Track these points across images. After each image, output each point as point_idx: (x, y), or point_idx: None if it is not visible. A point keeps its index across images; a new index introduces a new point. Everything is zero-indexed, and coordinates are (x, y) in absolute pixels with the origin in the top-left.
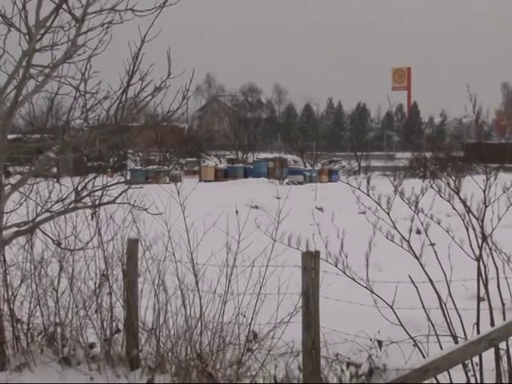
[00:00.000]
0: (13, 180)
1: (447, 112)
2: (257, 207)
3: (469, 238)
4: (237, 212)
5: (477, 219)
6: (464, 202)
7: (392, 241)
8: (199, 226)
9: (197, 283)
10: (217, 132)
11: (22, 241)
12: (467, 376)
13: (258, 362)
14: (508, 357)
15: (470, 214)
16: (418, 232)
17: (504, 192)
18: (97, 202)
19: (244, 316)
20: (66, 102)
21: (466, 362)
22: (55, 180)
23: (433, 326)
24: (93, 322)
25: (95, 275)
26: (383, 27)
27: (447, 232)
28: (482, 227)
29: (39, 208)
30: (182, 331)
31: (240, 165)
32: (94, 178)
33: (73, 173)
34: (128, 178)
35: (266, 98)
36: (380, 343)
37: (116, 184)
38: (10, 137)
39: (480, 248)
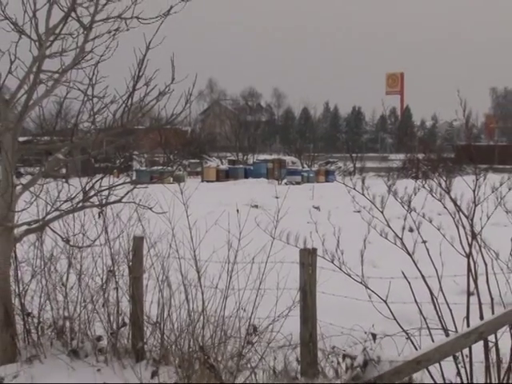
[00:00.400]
0: (24, 180)
1: (438, 115)
2: (257, 206)
3: (459, 235)
4: (237, 211)
5: (467, 218)
6: (454, 202)
7: (386, 238)
8: (201, 224)
9: (199, 279)
10: (218, 134)
11: (33, 238)
12: (457, 367)
13: (258, 354)
14: (496, 349)
15: (461, 213)
16: (411, 230)
17: (493, 192)
18: (104, 202)
19: (244, 310)
20: (75, 106)
21: (457, 354)
22: (64, 180)
23: (425, 319)
24: (100, 315)
25: (102, 271)
26: (377, 34)
27: (438, 230)
28: (471, 225)
29: (49, 207)
30: (185, 325)
31: (240, 166)
32: (101, 178)
33: (81, 173)
34: (133, 178)
35: (265, 102)
36: (374, 336)
37: (122, 184)
38: (21, 139)
39: (470, 245)
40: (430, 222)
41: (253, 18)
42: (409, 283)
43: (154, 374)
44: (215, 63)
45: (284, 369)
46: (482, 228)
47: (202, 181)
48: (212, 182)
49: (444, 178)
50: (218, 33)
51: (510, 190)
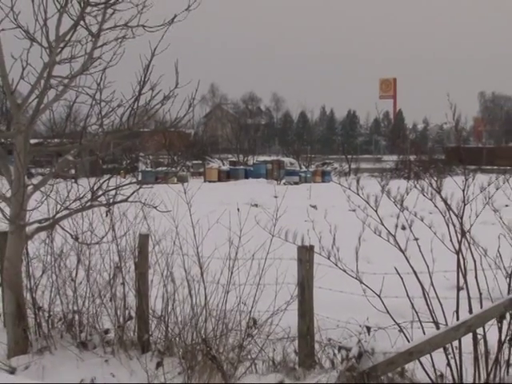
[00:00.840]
0: (35, 181)
1: (429, 119)
2: (256, 205)
3: (449, 233)
4: (238, 210)
5: (456, 216)
6: (445, 201)
7: (379, 236)
8: (204, 222)
9: (202, 274)
10: (220, 137)
11: (43, 236)
12: (448, 358)
13: (258, 346)
14: (485, 341)
15: (451, 212)
16: (403, 228)
17: (481, 191)
18: (111, 201)
19: (245, 304)
20: (83, 110)
21: (447, 345)
22: (73, 180)
23: (416, 313)
24: (107, 309)
25: (110, 267)
26: (372, 41)
27: (429, 228)
28: (461, 223)
29: (59, 206)
30: (189, 318)
31: (241, 167)
32: (109, 178)
33: (89, 174)
34: (139, 178)
35: (264, 106)
36: (369, 329)
37: (128, 184)
38: (32, 141)
39: (459, 242)
40: (422, 220)
41: (253, 26)
42: (401, 278)
43: (159, 364)
44: (217, 69)
45: (283, 360)
46: (471, 226)
47: (205, 181)
48: (214, 182)
49: (435, 179)
50: (219, 40)
51: (497, 189)
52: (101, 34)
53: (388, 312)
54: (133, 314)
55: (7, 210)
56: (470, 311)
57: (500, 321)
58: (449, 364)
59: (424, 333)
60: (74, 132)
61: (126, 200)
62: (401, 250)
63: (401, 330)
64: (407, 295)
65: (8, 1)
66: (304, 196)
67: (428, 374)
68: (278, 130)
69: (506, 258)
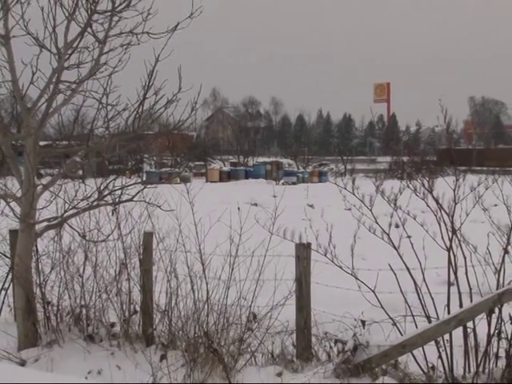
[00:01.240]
0: (44, 181)
1: (422, 122)
2: (256, 204)
3: (440, 231)
4: (239, 209)
5: (447, 215)
6: (436, 200)
7: (374, 234)
8: (206, 220)
9: (204, 271)
10: (221, 139)
11: (52, 233)
12: (439, 351)
13: (257, 339)
14: (474, 334)
15: (442, 211)
16: (397, 226)
17: (471, 191)
18: (117, 200)
19: (245, 299)
20: (90, 113)
21: (438, 339)
22: (81, 181)
23: (409, 307)
24: (113, 304)
25: (115, 264)
26: (367, 47)
27: (422, 226)
28: (452, 222)
29: (67, 205)
30: (191, 312)
31: (241, 167)
32: (115, 179)
33: (96, 174)
34: (144, 178)
35: (264, 110)
36: (363, 323)
37: (133, 184)
38: (41, 143)
39: (450, 240)
40: (414, 218)
41: (253, 33)
42: (395, 274)
43: (163, 357)
44: (218, 74)
45: (281, 352)
46: (461, 224)
47: (206, 181)
48: (215, 182)
49: (427, 179)
50: (221, 46)
51: (486, 189)
52: (107, 40)
53: (382, 306)
54: (138, 308)
55: (18, 209)
56: (461, 306)
57: (489, 315)
58: (440, 356)
59: (416, 326)
60: (82, 134)
61: (131, 199)
62: (394, 247)
63: (394, 324)
64: (400, 290)
65: (18, 9)
66: (302, 196)
67: (420, 366)
68: (277, 133)
69: (495, 254)
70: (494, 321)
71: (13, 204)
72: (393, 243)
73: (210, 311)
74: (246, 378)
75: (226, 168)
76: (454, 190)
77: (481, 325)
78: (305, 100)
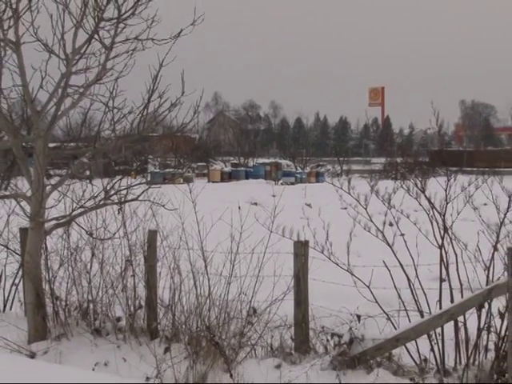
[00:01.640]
0: (53, 181)
1: (414, 124)
2: (256, 204)
3: (433, 229)
4: (239, 208)
5: (439, 214)
6: (429, 200)
7: (369, 232)
8: (208, 219)
9: (206, 267)
10: (222, 141)
11: (61, 231)
12: (431, 344)
13: (257, 333)
14: (465, 328)
15: (434, 210)
16: (391, 224)
17: (462, 191)
18: (122, 199)
19: (245, 294)
20: (97, 116)
21: (431, 332)
22: (88, 181)
23: (403, 302)
24: (119, 299)
25: (121, 260)
26: (362, 53)
27: (415, 224)
28: (443, 220)
29: (75, 204)
30: (194, 307)
31: (242, 168)
32: (120, 179)
33: (102, 175)
34: (148, 179)
35: (263, 113)
36: (359, 317)
37: (138, 184)
38: (50, 145)
39: (442, 238)
40: (408, 217)
41: (253, 40)
42: (389, 271)
43: (167, 350)
44: (220, 79)
45: (280, 346)
46: (452, 223)
47: (208, 181)
48: (217, 182)
49: (419, 179)
50: (222, 51)
51: (477, 189)
52: (113, 46)
53: (377, 302)
54: (142, 303)
55: (28, 208)
56: (452, 301)
57: (479, 309)
58: (432, 349)
59: (409, 321)
60: (89, 136)
61: (136, 199)
62: (388, 244)
63: (388, 318)
64: (394, 286)
65: (28, 17)
66: (300, 195)
67: (413, 359)
68: (276, 135)
69: (485, 252)
70: (483, 315)
71: (23, 203)
72: (387, 241)
73: (211, 306)
74: (246, 370)
75: (227, 169)
76: (446, 190)
77: (471, 319)
78: (303, 104)
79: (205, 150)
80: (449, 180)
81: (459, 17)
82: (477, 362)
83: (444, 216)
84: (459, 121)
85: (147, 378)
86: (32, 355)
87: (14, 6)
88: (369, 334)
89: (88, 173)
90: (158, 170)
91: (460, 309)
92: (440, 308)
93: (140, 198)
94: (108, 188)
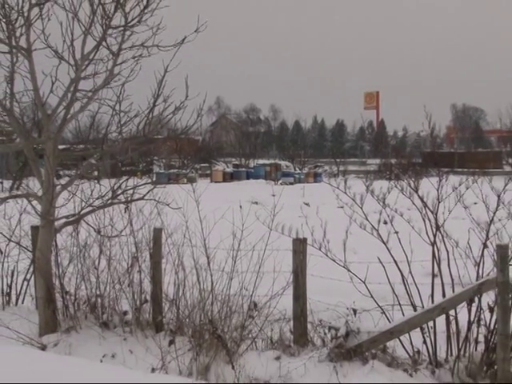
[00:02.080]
0: (63, 181)
1: (408, 127)
2: (256, 203)
3: (425, 227)
4: (240, 207)
5: (432, 212)
6: (421, 199)
7: (364, 229)
8: (210, 217)
9: (208, 263)
10: (224, 143)
11: (70, 229)
12: (424, 337)
13: (258, 326)
14: (456, 322)
15: (427, 208)
16: (385, 222)
17: (453, 191)
18: (129, 199)
19: (246, 289)
20: (105, 119)
21: (423, 325)
22: (96, 181)
23: (397, 297)
24: (126, 294)
25: (128, 257)
26: (358, 58)
27: (408, 222)
28: (435, 219)
29: (83, 203)
30: (197, 302)
31: (243, 169)
32: (127, 179)
33: (110, 175)
34: (154, 179)
35: (263, 116)
36: (355, 311)
37: (144, 184)
38: (60, 147)
39: (434, 235)
40: (401, 215)
41: (254, 46)
42: (383, 267)
43: (171, 342)
44: (222, 83)
45: (279, 338)
46: (444, 221)
47: (211, 182)
48: (219, 182)
49: (413, 179)
50: (224, 57)
51: (467, 189)
52: (120, 53)
53: (372, 296)
54: (148, 298)
55: (39, 207)
56: (444, 295)
57: (469, 304)
58: (425, 342)
59: (403, 314)
60: (97, 139)
61: (142, 198)
62: (383, 241)
63: (383, 312)
64: (389, 281)
65: (39, 24)
66: (298, 195)
67: (406, 351)
68: (276, 137)
69: (475, 248)
70: (473, 309)
71: (34, 202)
72: (382, 238)
73: (214, 300)
74: (247, 362)
75: (229, 169)
76: (438, 190)
77: (462, 313)
78: (301, 107)
79: (208, 151)
80: (441, 180)
81: (450, 26)
82: (467, 354)
83: (436, 214)
84: (450, 124)
85: (153, 369)
86: (43, 347)
87: (25, 15)
88: (364, 327)
89: (96, 173)
90: (162, 171)
91: (451, 303)
92: (432, 302)
93: (146, 198)
94: (115, 188)
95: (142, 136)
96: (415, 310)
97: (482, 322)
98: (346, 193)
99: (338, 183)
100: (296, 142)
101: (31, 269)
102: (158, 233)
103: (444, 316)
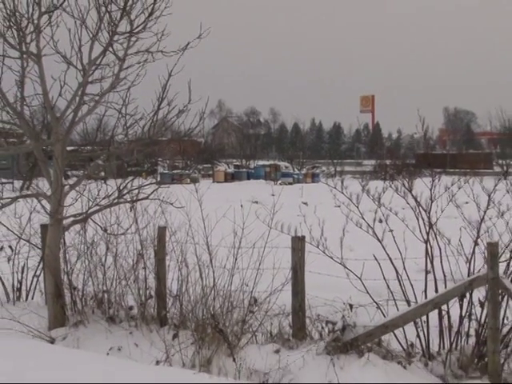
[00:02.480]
0: (71, 181)
1: (402, 129)
2: (257, 202)
3: (419, 225)
4: (241, 206)
5: (425, 211)
6: (415, 198)
7: (360, 228)
8: (212, 216)
9: (211, 260)
10: (226, 144)
11: (78, 228)
12: (417, 331)
13: (258, 320)
14: (448, 316)
15: (420, 207)
16: (380, 221)
17: (445, 191)
18: (134, 198)
19: (247, 285)
20: (111, 122)
21: (417, 320)
22: (103, 181)
23: (391, 292)
24: (131, 289)
25: (133, 254)
26: (354, 63)
27: (402, 221)
28: (428, 217)
29: (91, 203)
30: (200, 297)
31: (244, 170)
32: (132, 179)
33: (116, 176)
34: (158, 179)
35: (263, 119)
36: (351, 306)
37: (149, 184)
38: (68, 148)
39: (427, 233)
40: (396, 214)
41: (254, 51)
42: (379, 264)
43: (175, 336)
44: (224, 88)
45: (279, 332)
46: (437, 219)
47: (213, 182)
48: (221, 182)
49: (407, 180)
50: (226, 62)
51: (459, 189)
52: (126, 58)
53: (367, 292)
54: (153, 293)
55: (48, 206)
56: (436, 291)
57: (461, 299)
58: (418, 335)
59: (397, 309)
60: (104, 140)
61: (147, 198)
62: (378, 239)
63: (378, 307)
64: (384, 278)
65: (49, 31)
66: (297, 194)
67: (401, 344)
68: (275, 139)
69: (466, 246)
70: (465, 304)
71: (43, 202)
72: (377, 236)
73: (216, 296)
74: (247, 355)
75: (230, 170)
76: (431, 190)
77: (454, 308)
78: (300, 110)
79: (210, 152)
80: (433, 180)
81: (443, 33)
82: (459, 347)
83: (429, 213)
84: (443, 126)
85: (157, 362)
86: (52, 341)
87: (35, 22)
88: (360, 322)
89: (103, 174)
90: (166, 171)
91: (444, 298)
92: (425, 297)
93: (150, 197)
94: (121, 188)
95: (147, 138)
96: (409, 305)
97: (473, 317)
98: (342, 192)
99: (335, 183)
100: (295, 144)
101: (41, 265)
102: (162, 231)
103: (437, 311)
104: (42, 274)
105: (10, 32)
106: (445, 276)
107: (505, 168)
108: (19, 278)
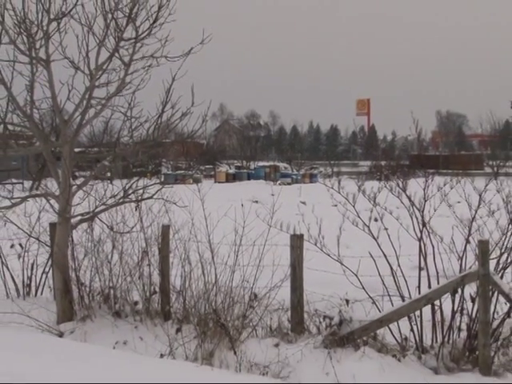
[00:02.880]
0: (78, 182)
1: (397, 131)
2: (257, 202)
3: (413, 224)
4: (242, 205)
5: (418, 210)
6: (409, 198)
7: (357, 226)
8: (214, 215)
9: (213, 258)
10: (227, 146)
11: (85, 226)
12: (411, 325)
13: (258, 315)
14: (441, 311)
15: (414, 207)
16: (376, 220)
17: (438, 190)
18: (139, 198)
19: (248, 282)
20: (117, 125)
21: (411, 315)
22: (109, 181)
23: (386, 288)
24: (136, 285)
25: (138, 251)
26: (351, 67)
27: (397, 220)
28: (422, 216)
29: (97, 202)
30: (202, 293)
31: (244, 170)
32: (137, 180)
33: (122, 176)
34: (162, 180)
35: (263, 121)
36: (347, 301)
37: (153, 184)
38: (76, 150)
39: (421, 231)
40: (391, 213)
41: (254, 56)
42: (374, 261)
43: (178, 330)
44: (225, 91)
45: (278, 327)
46: (430, 218)
47: (215, 182)
48: (222, 182)
49: (401, 180)
50: (227, 67)
51: (451, 189)
52: (131, 63)
53: (363, 288)
54: (157, 289)
55: (56, 206)
56: (429, 287)
57: (453, 294)
58: (412, 329)
59: (392, 304)
60: (110, 142)
61: (151, 197)
62: (374, 237)
63: (373, 302)
64: (379, 274)
65: (57, 37)
66: (295, 194)
67: (395, 338)
68: (275, 141)
69: (458, 244)
70: (457, 299)
71: (52, 201)
72: (372, 234)
73: (217, 292)
74: (248, 348)
75: (232, 171)
76: (424, 190)
77: (446, 303)
78: (298, 113)
79: (212, 154)
80: (427, 181)
81: (438, 39)
82: (451, 341)
83: (422, 212)
84: (436, 128)
85: (161, 355)
86: (60, 334)
87: (44, 28)
88: (356, 317)
89: (109, 174)
90: (170, 172)
91: (436, 294)
92: (419, 293)
93: (155, 197)
94: (127, 188)
95: (152, 140)
96: (403, 300)
97: (465, 312)
98: (339, 192)
99: (332, 183)
100: (293, 146)
101: (49, 262)
102: (165, 229)
103: (430, 306)
104: (50, 271)
105: (21, 38)
106: (437, 272)
107: (495, 169)
108: (29, 274)
